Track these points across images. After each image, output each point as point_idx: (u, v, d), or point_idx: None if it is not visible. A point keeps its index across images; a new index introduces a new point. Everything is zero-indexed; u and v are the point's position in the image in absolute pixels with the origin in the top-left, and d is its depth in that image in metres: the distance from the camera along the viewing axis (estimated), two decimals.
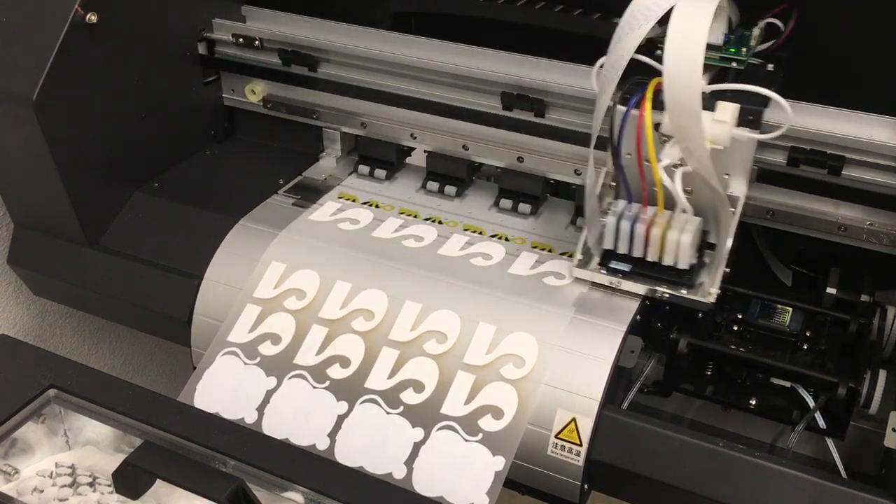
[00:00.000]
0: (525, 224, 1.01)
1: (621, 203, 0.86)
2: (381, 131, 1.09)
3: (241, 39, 1.10)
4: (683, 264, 0.85)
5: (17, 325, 1.20)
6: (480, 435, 0.81)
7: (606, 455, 0.79)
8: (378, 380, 0.85)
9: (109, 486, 0.74)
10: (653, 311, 0.92)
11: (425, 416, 0.82)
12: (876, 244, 0.89)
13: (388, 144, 1.09)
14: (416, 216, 1.02)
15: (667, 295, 0.86)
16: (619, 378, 0.84)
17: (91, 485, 0.77)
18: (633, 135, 0.82)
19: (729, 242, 0.85)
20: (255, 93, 1.13)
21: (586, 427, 0.79)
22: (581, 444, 0.79)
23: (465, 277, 0.91)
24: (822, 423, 0.85)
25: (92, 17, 0.93)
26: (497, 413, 0.81)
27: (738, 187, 0.85)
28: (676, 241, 0.84)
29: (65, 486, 0.76)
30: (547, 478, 0.81)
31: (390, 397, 0.84)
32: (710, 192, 0.83)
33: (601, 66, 0.82)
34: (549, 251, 0.96)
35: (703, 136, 0.77)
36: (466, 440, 0.81)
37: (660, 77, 0.76)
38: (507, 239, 0.98)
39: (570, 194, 1.02)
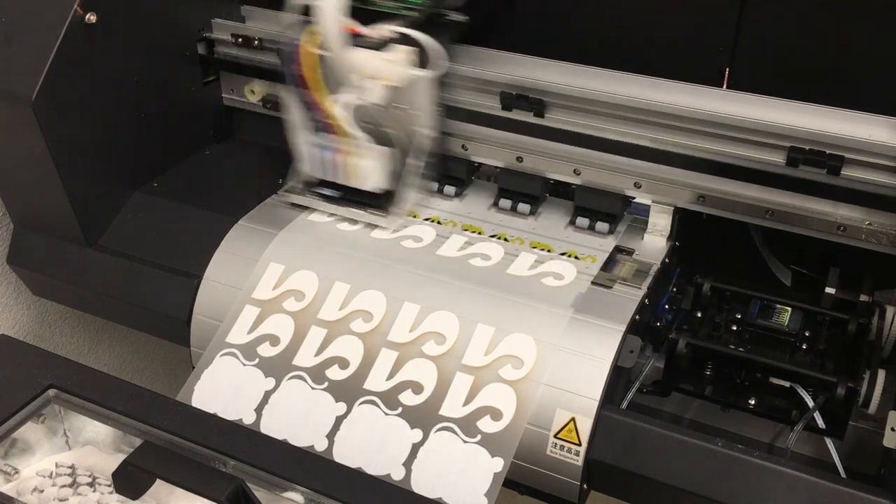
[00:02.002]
0: (524, 224, 1.01)
1: (320, 134, 0.96)
2: None
3: (240, 39, 1.10)
4: (372, 188, 0.97)
5: (17, 325, 1.20)
6: (479, 436, 0.81)
7: (605, 455, 0.79)
8: (377, 381, 0.85)
9: (109, 486, 0.74)
10: (653, 311, 0.92)
11: (424, 418, 0.83)
12: (875, 244, 0.89)
13: None
14: (415, 216, 1.02)
15: (359, 215, 0.99)
16: (619, 378, 0.85)
17: (91, 485, 0.77)
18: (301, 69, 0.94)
19: (414, 165, 0.98)
20: (254, 93, 1.13)
21: (585, 427, 0.79)
22: (580, 444, 0.79)
23: (463, 278, 0.91)
24: (821, 422, 0.85)
25: (91, 17, 0.93)
26: (496, 414, 0.81)
27: (425, 121, 0.96)
28: (359, 166, 0.96)
29: (65, 486, 0.76)
30: (546, 477, 0.81)
31: (389, 398, 0.84)
32: (398, 125, 0.96)
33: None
34: (549, 251, 0.96)
35: (351, 71, 0.92)
36: (465, 441, 0.81)
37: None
38: (506, 239, 0.98)
39: (570, 194, 1.02)
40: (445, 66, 0.94)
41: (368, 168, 0.96)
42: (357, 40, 0.93)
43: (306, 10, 0.92)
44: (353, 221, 1.00)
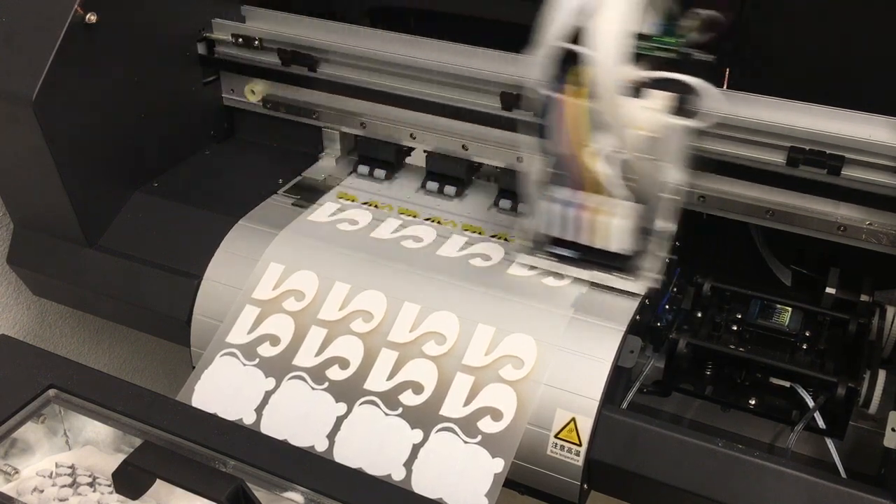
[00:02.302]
0: None
1: (561, 189, 0.87)
2: (381, 131, 1.08)
3: (240, 39, 1.10)
4: (619, 249, 0.86)
5: (17, 325, 1.20)
6: (479, 437, 0.81)
7: (606, 455, 0.79)
8: (377, 381, 0.85)
9: (109, 486, 0.74)
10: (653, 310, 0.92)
11: (424, 418, 0.82)
12: (875, 244, 0.89)
13: (388, 144, 1.09)
14: (415, 216, 1.02)
15: (604, 279, 0.89)
16: (619, 378, 0.85)
17: (91, 485, 0.77)
18: (563, 120, 0.83)
19: (666, 228, 0.87)
20: (254, 93, 1.13)
21: (586, 427, 0.79)
22: (580, 444, 0.79)
23: (464, 278, 0.91)
24: (821, 422, 0.85)
25: (92, 17, 0.93)
26: (496, 415, 0.81)
27: (674, 174, 0.85)
28: (608, 225, 0.85)
29: (65, 486, 0.76)
30: (546, 478, 0.81)
31: (389, 399, 0.84)
32: (650, 180, 0.85)
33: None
34: None
35: (623, 122, 0.79)
36: (465, 442, 0.81)
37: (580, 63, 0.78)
38: (506, 239, 0.98)
39: None
40: (718, 114, 0.84)
41: (618, 227, 0.85)
42: None
43: (569, 57, 0.80)
44: (354, 222, 1.00)
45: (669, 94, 0.81)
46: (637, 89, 0.80)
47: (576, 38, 0.78)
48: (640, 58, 0.81)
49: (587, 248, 0.88)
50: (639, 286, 0.88)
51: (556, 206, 0.86)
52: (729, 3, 0.89)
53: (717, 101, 0.82)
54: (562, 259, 0.90)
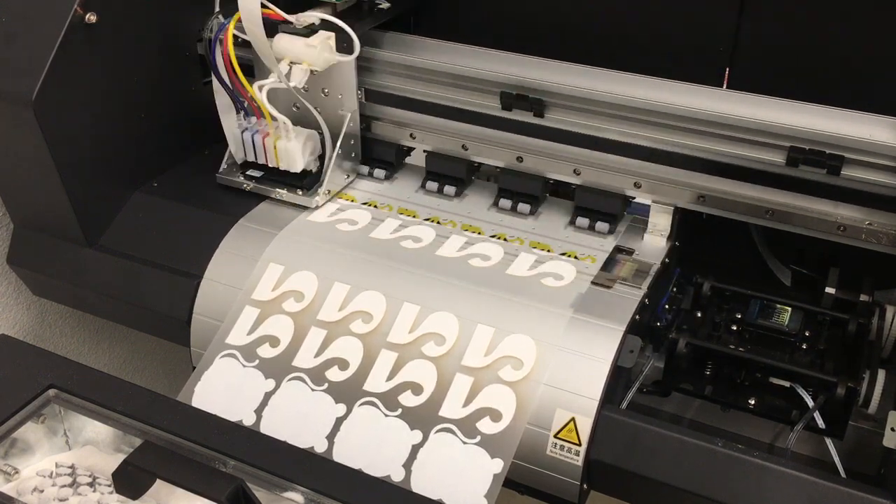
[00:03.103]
0: (524, 224, 1.01)
1: (248, 118, 1.03)
2: (381, 131, 1.08)
3: (240, 40, 1.10)
4: (295, 168, 1.01)
5: (17, 325, 1.20)
6: (479, 437, 0.81)
7: (605, 455, 0.79)
8: (376, 382, 0.85)
9: (109, 486, 0.74)
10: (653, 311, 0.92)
11: (424, 419, 0.83)
12: (875, 244, 0.89)
13: (388, 144, 1.09)
14: (414, 216, 1.02)
15: (283, 195, 1.03)
16: (619, 378, 0.85)
17: (91, 485, 0.77)
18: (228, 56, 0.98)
19: (331, 151, 1.04)
20: None
21: (585, 427, 0.79)
22: (580, 444, 0.79)
23: (463, 278, 0.91)
24: (821, 422, 0.85)
25: (91, 17, 0.93)
26: (495, 416, 0.81)
27: (348, 104, 1.03)
28: (284, 148, 1.00)
29: (65, 486, 0.76)
30: (546, 477, 0.81)
31: (389, 399, 0.84)
32: (322, 108, 1.03)
33: None
34: (548, 251, 0.96)
35: (273, 57, 0.96)
36: (465, 442, 0.81)
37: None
38: (505, 239, 0.98)
39: (570, 194, 1.02)
40: (358, 49, 0.97)
41: (292, 150, 1.00)
42: (283, 26, 0.97)
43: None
44: (353, 222, 1.00)
45: (329, 34, 0.97)
46: (309, 30, 0.97)
47: None
48: (317, 4, 0.99)
49: (275, 170, 1.03)
50: (309, 200, 1.02)
51: (244, 133, 1.02)
52: None
53: (360, 42, 0.96)
54: (256, 180, 1.04)
